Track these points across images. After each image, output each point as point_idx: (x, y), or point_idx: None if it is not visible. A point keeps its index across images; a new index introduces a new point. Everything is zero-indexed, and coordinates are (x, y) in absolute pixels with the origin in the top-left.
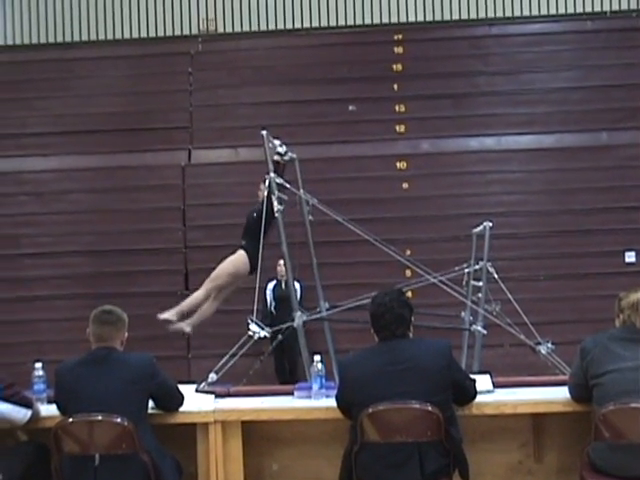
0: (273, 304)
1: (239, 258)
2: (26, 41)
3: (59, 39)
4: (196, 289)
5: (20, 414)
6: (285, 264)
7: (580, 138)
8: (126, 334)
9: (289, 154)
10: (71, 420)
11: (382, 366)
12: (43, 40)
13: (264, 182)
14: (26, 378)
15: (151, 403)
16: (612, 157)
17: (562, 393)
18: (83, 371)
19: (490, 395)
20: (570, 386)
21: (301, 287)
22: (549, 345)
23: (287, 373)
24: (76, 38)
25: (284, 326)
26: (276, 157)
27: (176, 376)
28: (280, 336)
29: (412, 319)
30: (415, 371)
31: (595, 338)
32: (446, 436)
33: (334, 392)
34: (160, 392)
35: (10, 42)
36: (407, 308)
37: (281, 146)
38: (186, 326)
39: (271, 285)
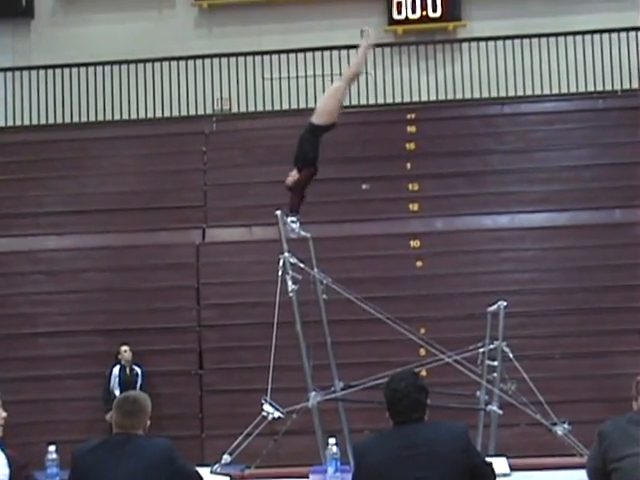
0: (118, 389)
1: None
2: (42, 121)
3: (75, 119)
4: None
5: None
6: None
7: (593, 216)
8: (148, 422)
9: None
10: None
11: (398, 451)
12: (59, 120)
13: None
14: (40, 458)
15: None
16: (626, 234)
17: (579, 477)
18: (101, 456)
19: (507, 479)
20: (588, 470)
21: (142, 372)
22: (565, 426)
23: None
24: (91, 118)
25: (298, 406)
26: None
27: (189, 457)
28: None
29: (427, 402)
30: (431, 456)
31: (613, 421)
32: None
33: (349, 475)
34: (179, 478)
35: (26, 122)
36: (423, 393)
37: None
38: None
39: (116, 370)
